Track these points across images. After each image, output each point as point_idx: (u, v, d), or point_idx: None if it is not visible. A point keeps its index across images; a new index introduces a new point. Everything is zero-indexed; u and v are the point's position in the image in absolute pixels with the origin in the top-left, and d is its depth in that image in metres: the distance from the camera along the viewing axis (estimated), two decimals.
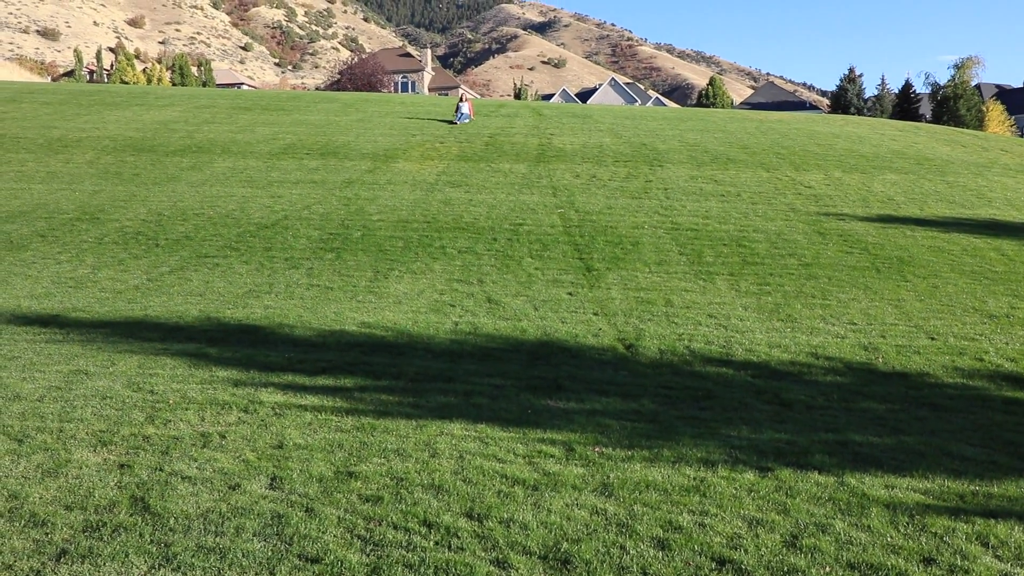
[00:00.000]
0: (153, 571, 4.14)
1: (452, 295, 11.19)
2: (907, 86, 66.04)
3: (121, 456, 5.66)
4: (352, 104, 29.64)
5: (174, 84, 73.26)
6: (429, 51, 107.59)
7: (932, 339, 9.63)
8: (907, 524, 4.93)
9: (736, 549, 4.55)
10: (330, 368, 8.07)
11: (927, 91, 64.16)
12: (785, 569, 4.33)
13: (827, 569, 4.34)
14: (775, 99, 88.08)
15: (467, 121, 24.88)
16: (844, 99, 68.28)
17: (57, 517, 4.69)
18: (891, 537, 4.74)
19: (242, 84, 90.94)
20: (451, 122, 24.88)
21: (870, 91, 72.73)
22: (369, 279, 11.89)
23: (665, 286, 11.68)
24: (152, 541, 4.45)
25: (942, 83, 62.06)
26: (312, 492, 5.17)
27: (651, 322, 10.11)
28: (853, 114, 61.01)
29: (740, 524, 4.88)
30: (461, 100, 25.87)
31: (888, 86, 72.67)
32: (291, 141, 21.86)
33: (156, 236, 13.91)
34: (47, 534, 4.51)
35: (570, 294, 11.30)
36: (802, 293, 11.45)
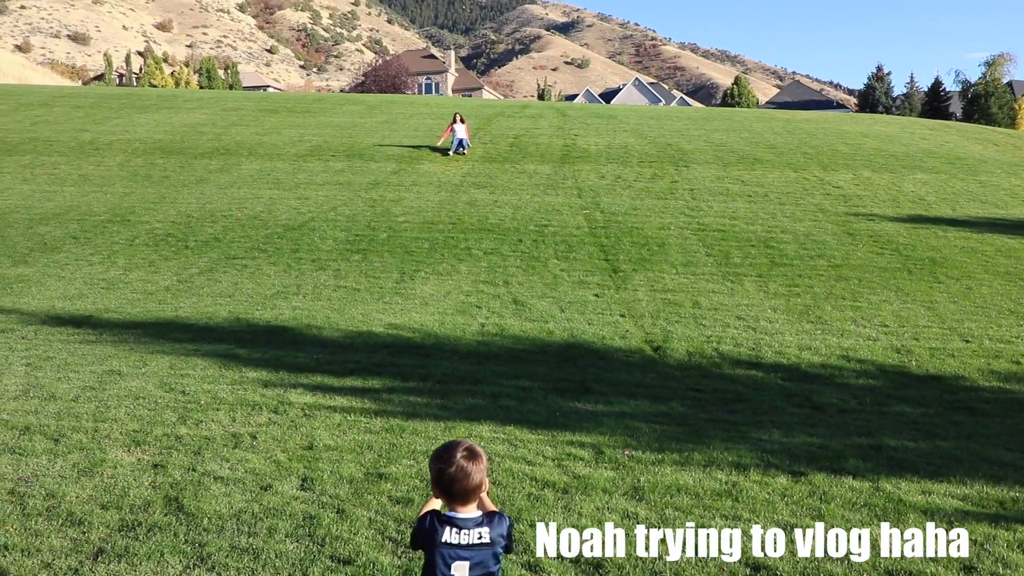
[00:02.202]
0: (188, 571, 4.17)
1: (478, 296, 11.20)
2: (937, 84, 65.09)
3: (155, 456, 5.72)
4: (377, 106, 29.80)
5: (201, 87, 74.13)
6: (452, 52, 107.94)
7: (967, 342, 9.47)
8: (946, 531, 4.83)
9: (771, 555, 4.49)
10: (358, 369, 8.10)
11: (957, 89, 63.19)
12: (820, 574, 4.27)
13: (863, 575, 4.27)
14: (801, 98, 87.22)
15: (466, 151, 20.45)
16: (872, 98, 67.44)
17: (94, 516, 4.75)
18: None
19: (268, 87, 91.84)
20: (446, 152, 20.56)
21: (899, 89, 71.79)
22: (395, 280, 11.93)
23: (692, 287, 11.59)
24: (186, 541, 4.49)
25: (973, 81, 61.11)
26: (343, 493, 5.19)
27: (679, 324, 10.04)
28: (881, 113, 60.23)
29: (774, 529, 4.81)
30: (456, 121, 20.64)
31: (917, 84, 71.72)
32: (317, 143, 22.02)
33: (186, 238, 14.07)
34: (84, 533, 4.56)
35: (596, 296, 11.26)
36: (832, 295, 11.31)
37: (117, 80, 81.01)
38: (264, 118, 25.91)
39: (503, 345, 9.24)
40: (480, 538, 2.80)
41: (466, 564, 2.78)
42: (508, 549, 2.91)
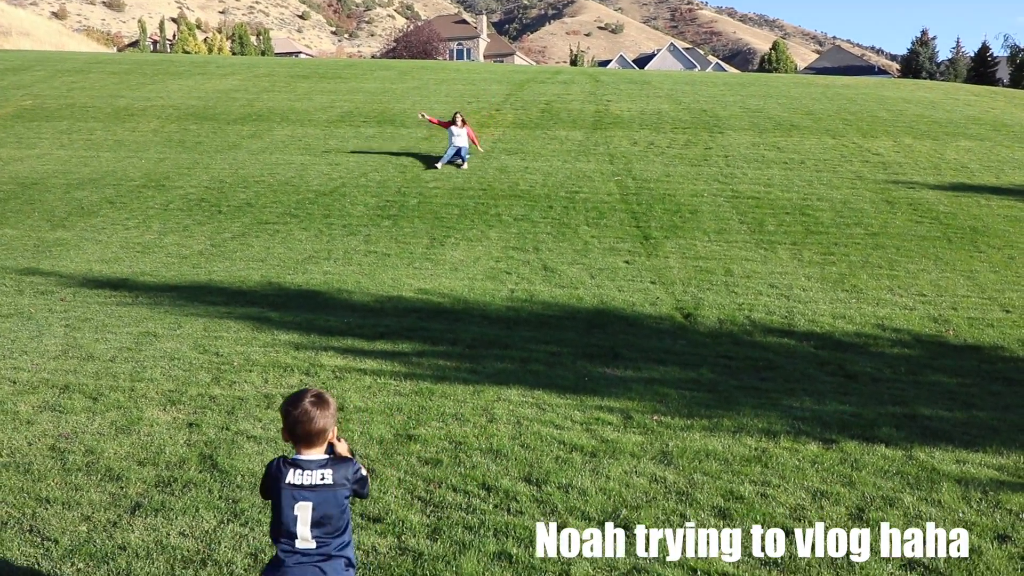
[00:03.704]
0: (222, 526, 4.26)
1: (508, 262, 11.18)
2: (984, 49, 62.90)
3: (189, 415, 5.83)
4: (408, 72, 29.64)
5: (234, 53, 74.32)
6: (484, 18, 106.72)
7: (1007, 312, 9.25)
8: (980, 500, 4.76)
9: (800, 520, 4.46)
10: (388, 333, 8.15)
11: (1005, 54, 61.00)
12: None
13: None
14: (842, 64, 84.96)
15: (464, 163, 16.18)
16: (915, 63, 65.49)
17: (131, 472, 4.87)
18: (963, 513, 4.59)
19: (300, 53, 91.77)
20: (434, 164, 16.16)
21: (944, 55, 69.42)
22: (425, 246, 11.95)
23: (725, 255, 11.45)
24: (220, 497, 4.58)
25: (1022, 45, 58.91)
26: (373, 454, 5.25)
27: (710, 291, 9.94)
28: (925, 79, 58.52)
29: (803, 495, 4.78)
30: (455, 122, 16.23)
31: (963, 49, 69.34)
32: (348, 109, 21.99)
33: (219, 203, 14.21)
34: (122, 488, 4.68)
35: (627, 262, 11.17)
36: (868, 263, 11.10)
37: (151, 46, 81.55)
38: (295, 84, 25.92)
39: (532, 311, 9.24)
40: (323, 479, 2.87)
41: (309, 504, 2.86)
42: (359, 494, 2.99)
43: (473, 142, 16.59)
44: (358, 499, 3.09)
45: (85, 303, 9.18)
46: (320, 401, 2.90)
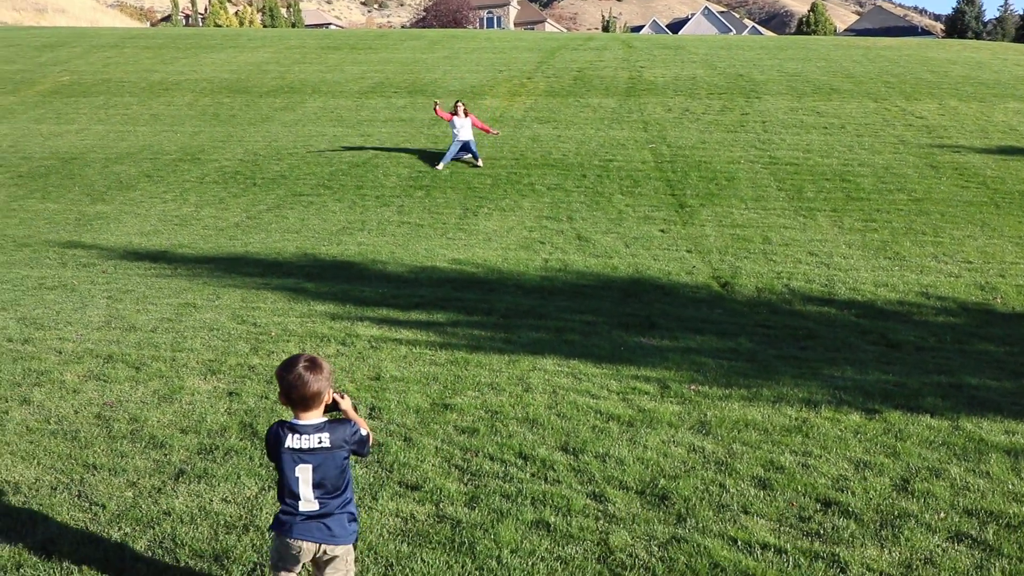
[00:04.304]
0: (263, 493, 4.32)
1: (542, 232, 11.10)
2: None
3: (229, 384, 5.90)
4: (438, 41, 29.42)
5: (265, 26, 74.44)
6: None
7: None
8: None
9: (842, 491, 4.39)
10: (423, 303, 8.17)
11: None
12: (896, 513, 4.16)
13: (942, 515, 4.14)
14: (883, 25, 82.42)
15: (475, 158, 14.46)
16: (961, 23, 63.31)
17: (174, 439, 4.95)
18: (1012, 484, 4.47)
19: (330, 24, 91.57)
20: (435, 163, 14.45)
21: (991, 13, 67.05)
22: (458, 216, 11.92)
23: (762, 223, 11.24)
24: (261, 464, 4.64)
25: None
26: (410, 422, 5.27)
27: (748, 260, 9.78)
28: (971, 39, 56.56)
29: (846, 466, 4.70)
30: (457, 113, 14.35)
31: (1012, 7, 66.81)
32: (379, 80, 21.92)
33: (253, 175, 14.30)
34: (165, 455, 4.76)
35: (662, 231, 11.03)
36: (912, 230, 10.82)
37: (183, 20, 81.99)
38: (326, 55, 25.89)
39: (567, 280, 9.18)
40: (320, 442, 2.94)
41: (309, 467, 2.94)
42: (359, 453, 3.05)
43: (483, 130, 14.88)
44: (361, 457, 3.12)
45: (126, 275, 9.33)
46: (314, 366, 2.94)
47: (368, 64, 24.24)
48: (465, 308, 8.07)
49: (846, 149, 14.69)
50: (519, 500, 4.26)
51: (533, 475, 4.56)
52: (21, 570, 3.59)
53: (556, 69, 22.56)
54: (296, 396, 2.93)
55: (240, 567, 3.64)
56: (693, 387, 5.92)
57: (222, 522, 4.00)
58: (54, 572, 3.58)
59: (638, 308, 8.18)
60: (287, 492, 2.97)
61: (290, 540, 2.98)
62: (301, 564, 3.06)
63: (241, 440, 4.96)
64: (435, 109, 14.91)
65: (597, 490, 4.38)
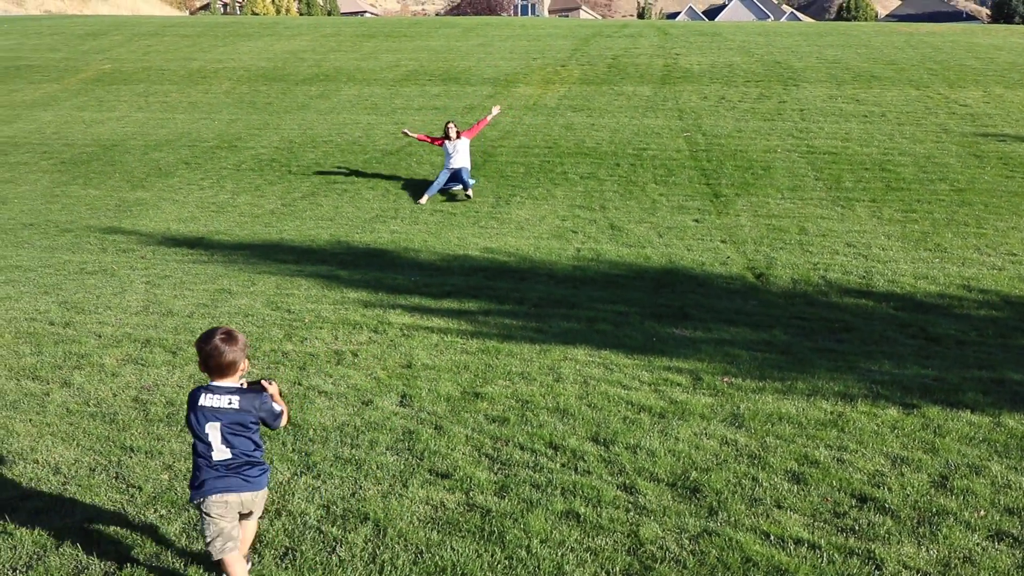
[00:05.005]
0: (296, 478, 4.37)
1: (574, 221, 11.05)
2: None
3: (263, 370, 5.97)
4: (472, 28, 29.33)
5: (300, 14, 74.87)
6: None
7: None
8: None
9: (879, 487, 4.31)
10: (455, 292, 8.18)
11: None
12: (934, 510, 4.07)
13: (981, 513, 4.04)
14: (926, 10, 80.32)
15: (465, 188, 12.19)
16: (1008, 8, 61.42)
17: None
18: None
19: (365, 12, 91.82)
20: (418, 201, 12.07)
21: None
22: (491, 205, 11.90)
23: (799, 213, 11.05)
24: (294, 450, 4.69)
25: None
26: (440, 411, 5.29)
27: (783, 251, 9.63)
28: (1018, 23, 54.87)
29: (883, 461, 4.62)
30: (448, 135, 12.27)
31: None
32: (413, 67, 21.94)
33: (288, 163, 14.42)
34: None
35: (696, 221, 10.91)
36: (953, 221, 10.56)
37: (221, 9, 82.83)
38: (361, 43, 25.97)
39: (599, 270, 9.12)
40: (230, 404, 3.21)
41: (217, 424, 3.21)
42: (268, 424, 3.31)
43: (484, 124, 12.95)
44: (269, 429, 3.39)
45: (164, 260, 9.48)
46: (229, 338, 3.22)
47: (402, 52, 24.27)
48: (497, 297, 8.07)
49: (886, 138, 14.36)
50: (549, 490, 4.26)
51: (563, 465, 4.55)
52: (60, 549, 3.68)
53: (590, 57, 22.38)
54: (213, 364, 3.22)
55: (272, 551, 3.68)
56: (726, 379, 5.85)
57: None
58: (92, 552, 3.66)
59: (671, 299, 8.10)
60: (199, 447, 3.22)
61: (215, 497, 3.20)
62: (235, 521, 3.27)
63: None
64: (404, 133, 13.01)
65: (628, 481, 4.36)
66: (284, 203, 12.34)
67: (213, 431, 3.20)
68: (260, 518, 3.48)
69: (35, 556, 3.63)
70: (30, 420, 5.07)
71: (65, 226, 11.35)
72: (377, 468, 4.47)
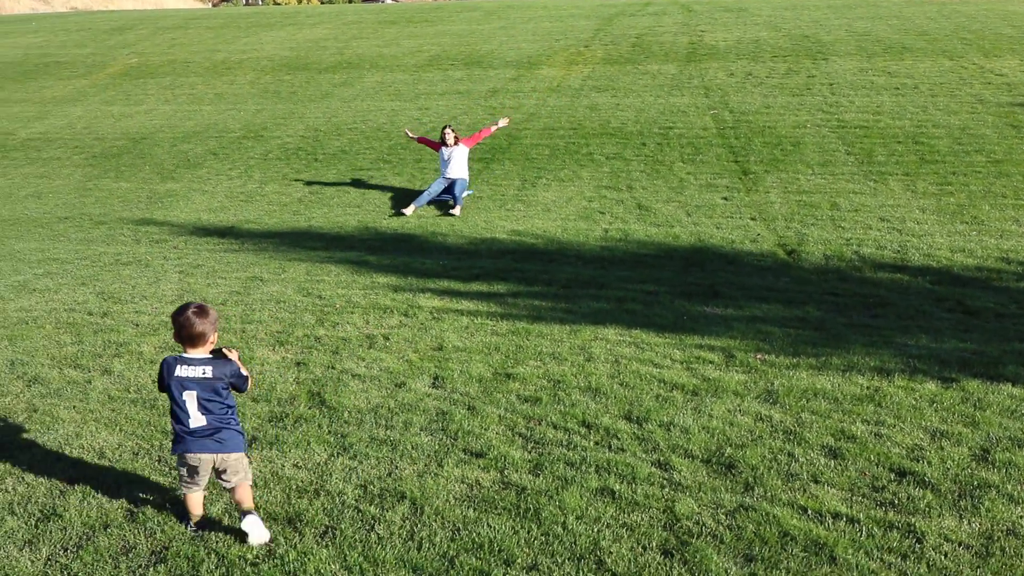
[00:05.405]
0: (332, 459, 4.42)
1: (601, 202, 10.99)
2: None
3: (297, 355, 6.04)
4: (494, 12, 29.17)
5: (322, 2, 74.94)
6: None
7: None
8: None
9: (918, 461, 4.26)
10: (483, 275, 8.19)
11: None
12: (975, 483, 4.02)
13: (1022, 485, 3.98)
14: None
15: (455, 203, 10.89)
16: None
17: (246, 408, 5.10)
18: None
19: None
20: (402, 211, 10.85)
21: None
22: (517, 187, 11.87)
23: (830, 188, 10.89)
24: (330, 432, 4.75)
25: None
26: (473, 392, 5.32)
27: (815, 227, 9.50)
28: None
29: (921, 436, 4.56)
30: (445, 141, 11.22)
31: None
32: (435, 52, 21.89)
33: (314, 151, 14.50)
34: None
35: (725, 199, 10.79)
36: (990, 193, 10.34)
37: (243, 0, 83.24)
38: (383, 30, 25.96)
39: (627, 250, 9.08)
40: (204, 373, 3.54)
41: (194, 393, 3.53)
42: (238, 388, 3.65)
43: (488, 134, 11.63)
44: (239, 392, 3.79)
45: (196, 250, 9.61)
46: (201, 311, 3.53)
47: (424, 37, 24.22)
48: (525, 279, 8.07)
49: (919, 110, 14.07)
50: (583, 468, 4.27)
51: (597, 443, 4.56)
52: (108, 530, 3.76)
53: (614, 36, 22.16)
54: (185, 335, 3.53)
55: (312, 529, 3.74)
56: (759, 356, 5.81)
57: (294, 487, 4.11)
58: (138, 532, 3.74)
59: (701, 277, 8.04)
60: (178, 414, 3.56)
61: (189, 455, 3.59)
62: (205, 478, 3.68)
63: (310, 408, 5.09)
64: (406, 133, 12.05)
65: (662, 458, 4.36)
66: (311, 191, 12.42)
67: (190, 399, 3.52)
68: (252, 485, 3.77)
69: (84, 536, 3.72)
70: (74, 407, 5.18)
71: (99, 219, 11.54)
72: (412, 448, 4.51)
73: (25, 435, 4.77)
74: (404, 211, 10.87)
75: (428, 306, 7.15)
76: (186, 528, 3.74)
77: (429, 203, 11.20)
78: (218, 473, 3.66)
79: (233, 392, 3.66)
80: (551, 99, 16.61)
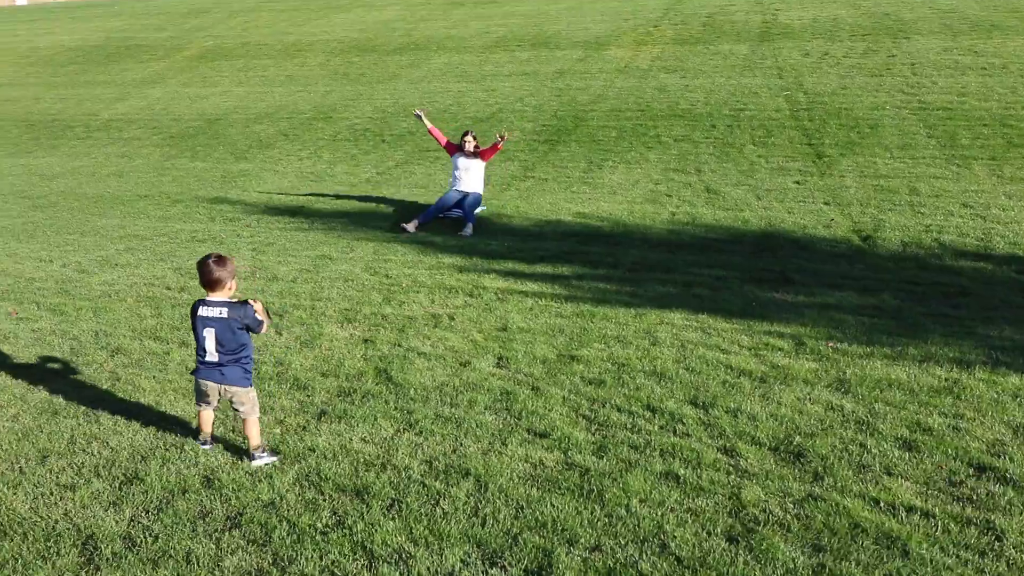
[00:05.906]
0: (398, 435, 4.50)
1: (668, 185, 10.83)
2: None
3: (364, 332, 6.16)
4: None
5: None
6: None
7: None
8: None
9: (999, 456, 4.09)
10: (548, 256, 8.18)
11: None
12: None
13: None
14: None
15: (467, 221, 9.49)
16: None
17: (315, 382, 5.23)
18: None
19: None
20: (402, 226, 9.48)
21: None
22: (583, 170, 11.79)
23: (910, 173, 10.48)
24: (396, 408, 4.83)
25: None
26: (536, 372, 5.33)
27: (892, 212, 9.17)
28: None
29: (1003, 430, 4.38)
30: (464, 147, 10.01)
31: None
32: (503, 34, 21.84)
33: (382, 132, 14.68)
34: (308, 396, 5.05)
35: (797, 183, 10.50)
36: None
37: None
38: (451, 11, 26.01)
39: (695, 234, 8.94)
40: (220, 314, 4.09)
41: (213, 331, 4.11)
42: (252, 329, 4.14)
43: (495, 149, 9.99)
44: (254, 333, 4.20)
45: (267, 229, 9.86)
46: (219, 260, 4.10)
47: (492, 19, 24.17)
48: (590, 261, 8.03)
49: (1008, 91, 13.39)
50: (647, 451, 4.24)
51: (662, 427, 4.52)
52: (186, 495, 3.92)
53: (684, 15, 21.70)
54: (205, 280, 4.12)
55: (379, 502, 3.82)
56: (831, 344, 5.66)
57: (361, 460, 4.21)
58: (214, 498, 3.89)
59: (771, 262, 7.86)
60: (199, 348, 4.15)
61: (199, 379, 4.21)
62: (214, 401, 4.24)
63: (377, 384, 5.18)
64: (417, 115, 10.51)
65: (728, 445, 4.30)
66: (379, 171, 12.59)
67: (209, 336, 4.10)
68: (258, 417, 4.31)
69: (164, 500, 3.89)
70: (154, 377, 5.40)
71: (176, 197, 11.94)
72: (476, 427, 4.55)
73: (109, 402, 5.00)
74: (406, 227, 9.43)
75: (493, 287, 7.18)
76: (197, 443, 4.37)
77: (437, 218, 9.80)
78: (231, 403, 4.24)
79: (251, 334, 4.17)
80: (619, 80, 16.40)
